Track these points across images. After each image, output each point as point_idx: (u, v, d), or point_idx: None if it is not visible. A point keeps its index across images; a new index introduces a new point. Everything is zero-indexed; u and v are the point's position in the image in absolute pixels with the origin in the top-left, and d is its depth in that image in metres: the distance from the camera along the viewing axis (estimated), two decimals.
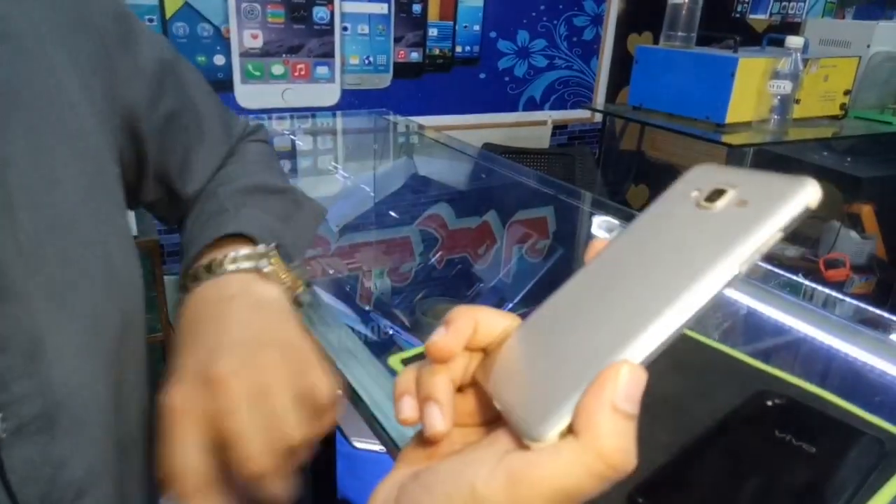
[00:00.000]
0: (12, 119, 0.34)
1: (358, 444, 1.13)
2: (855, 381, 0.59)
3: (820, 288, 0.72)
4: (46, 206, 0.34)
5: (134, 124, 0.45)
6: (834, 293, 0.70)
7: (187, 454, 0.33)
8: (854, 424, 0.42)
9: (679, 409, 0.44)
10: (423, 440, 0.25)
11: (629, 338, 0.20)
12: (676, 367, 0.51)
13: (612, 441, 0.19)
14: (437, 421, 0.24)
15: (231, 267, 0.42)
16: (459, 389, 0.26)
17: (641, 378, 0.20)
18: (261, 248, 0.44)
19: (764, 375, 0.50)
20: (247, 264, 0.42)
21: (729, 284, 0.20)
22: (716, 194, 0.22)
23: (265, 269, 0.43)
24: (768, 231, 0.20)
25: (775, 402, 0.43)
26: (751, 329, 0.71)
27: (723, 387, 0.47)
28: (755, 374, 0.50)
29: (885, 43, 1.57)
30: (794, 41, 1.32)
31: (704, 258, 0.20)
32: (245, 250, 0.43)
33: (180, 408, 0.34)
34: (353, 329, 0.58)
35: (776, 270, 0.77)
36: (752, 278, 0.75)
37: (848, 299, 0.69)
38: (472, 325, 0.25)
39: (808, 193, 0.20)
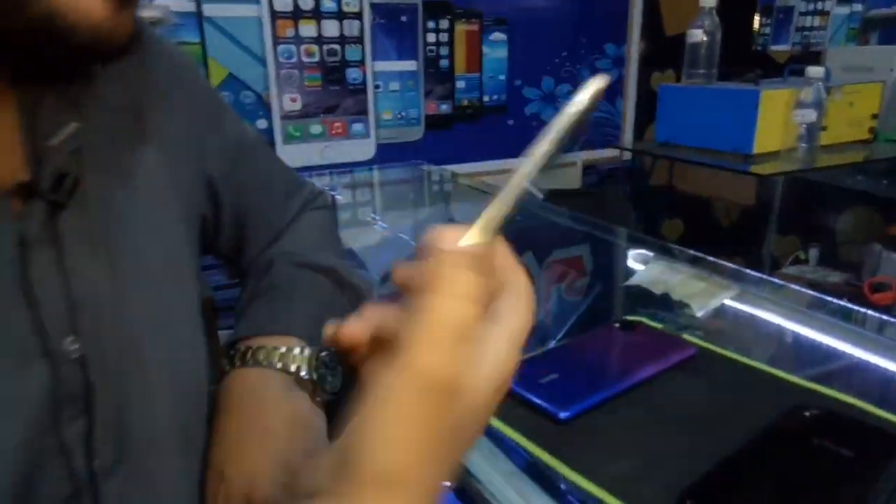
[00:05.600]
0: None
1: None
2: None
3: (863, 310, 0.71)
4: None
5: (214, 191, 0.51)
6: (879, 314, 0.70)
7: None
8: (889, 430, 0.44)
9: (722, 423, 0.47)
10: None
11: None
12: (718, 385, 0.53)
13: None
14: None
15: (278, 364, 0.47)
16: None
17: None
18: (306, 352, 0.49)
19: (802, 390, 0.52)
20: (291, 366, 0.48)
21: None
22: None
23: (303, 376, 0.48)
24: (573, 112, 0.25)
25: (812, 413, 0.46)
26: (802, 354, 0.71)
27: (762, 401, 0.49)
28: (793, 389, 0.52)
29: None
30: (814, 71, 1.35)
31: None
32: (295, 349, 0.49)
33: None
34: None
35: (823, 296, 0.76)
36: (802, 306, 0.74)
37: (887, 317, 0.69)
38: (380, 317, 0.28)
39: (596, 83, 0.25)
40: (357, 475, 0.22)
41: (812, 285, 1.72)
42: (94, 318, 0.37)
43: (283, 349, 0.48)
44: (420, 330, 0.23)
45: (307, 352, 0.49)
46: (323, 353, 0.50)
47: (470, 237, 0.25)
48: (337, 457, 0.23)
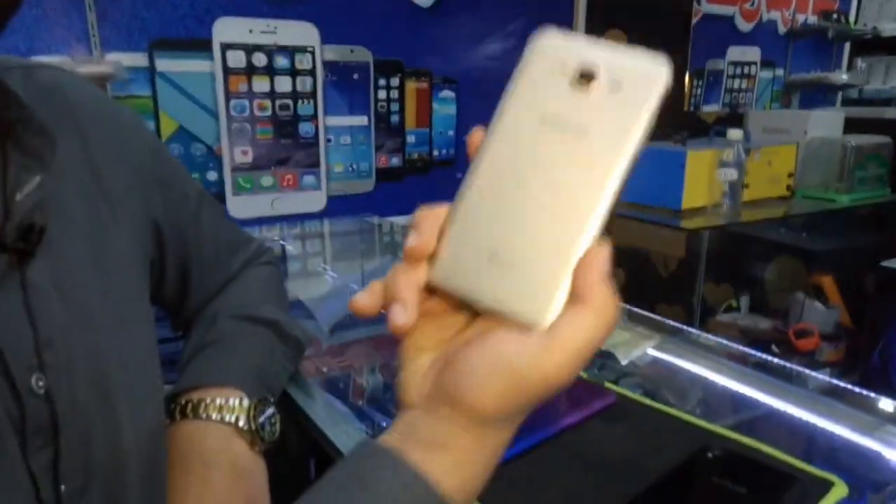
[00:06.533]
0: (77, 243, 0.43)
1: None
2: (801, 436, 0.65)
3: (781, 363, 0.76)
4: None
5: (159, 235, 0.54)
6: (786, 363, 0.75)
7: None
8: (781, 469, 0.48)
9: (636, 466, 0.50)
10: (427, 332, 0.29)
11: (586, 223, 0.25)
12: (634, 430, 0.57)
13: (613, 301, 0.26)
14: (398, 316, 0.28)
15: (216, 416, 0.50)
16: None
17: (609, 252, 0.26)
18: (245, 402, 0.51)
19: (711, 434, 0.56)
20: (229, 417, 0.50)
21: (631, 166, 0.24)
22: (586, 76, 0.25)
23: (242, 426, 0.50)
24: (649, 115, 0.24)
25: (714, 454, 0.50)
26: (716, 400, 0.76)
27: (674, 445, 0.53)
28: (703, 433, 0.56)
29: (819, 129, 1.73)
30: (734, 134, 1.46)
31: (610, 148, 0.24)
32: (233, 399, 0.51)
33: None
34: (350, 424, 0.64)
35: (735, 345, 0.82)
36: (730, 360, 0.80)
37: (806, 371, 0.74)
38: (438, 223, 0.29)
39: (666, 70, 0.24)
40: (466, 412, 0.27)
41: (743, 332, 1.81)
42: (65, 355, 0.39)
43: (222, 400, 0.50)
44: (569, 343, 0.25)
45: (246, 402, 0.51)
46: (262, 404, 0.53)
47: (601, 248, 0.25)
48: (446, 389, 0.27)
